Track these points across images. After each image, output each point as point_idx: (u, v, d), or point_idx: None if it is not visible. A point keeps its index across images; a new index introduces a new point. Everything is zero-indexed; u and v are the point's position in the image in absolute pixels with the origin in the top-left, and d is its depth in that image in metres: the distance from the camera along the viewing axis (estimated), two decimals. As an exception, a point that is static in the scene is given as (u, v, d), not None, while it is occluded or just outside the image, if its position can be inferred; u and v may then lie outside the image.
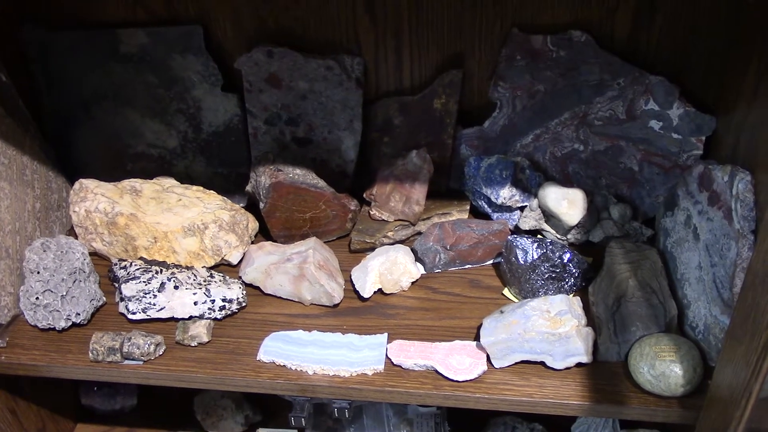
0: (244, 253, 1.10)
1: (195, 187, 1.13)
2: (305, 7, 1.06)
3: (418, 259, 1.07)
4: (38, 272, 0.99)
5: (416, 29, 1.06)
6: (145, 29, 1.10)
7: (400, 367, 0.92)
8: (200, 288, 1.00)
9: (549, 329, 0.88)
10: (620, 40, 1.03)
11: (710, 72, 1.02)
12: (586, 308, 0.96)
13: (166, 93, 1.15)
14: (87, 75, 1.14)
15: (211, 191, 1.13)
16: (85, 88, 1.16)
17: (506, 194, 1.08)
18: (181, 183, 1.15)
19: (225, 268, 1.11)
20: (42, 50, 1.13)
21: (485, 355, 0.91)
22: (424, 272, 1.08)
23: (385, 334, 0.96)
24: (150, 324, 1.00)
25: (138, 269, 1.02)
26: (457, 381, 0.89)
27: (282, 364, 0.93)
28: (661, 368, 0.84)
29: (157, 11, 1.10)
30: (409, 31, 1.07)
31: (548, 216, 1.09)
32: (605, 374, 0.89)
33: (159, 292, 0.99)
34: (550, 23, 1.03)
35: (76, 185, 1.09)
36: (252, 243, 1.13)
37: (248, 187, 1.12)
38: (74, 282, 1.00)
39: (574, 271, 1.00)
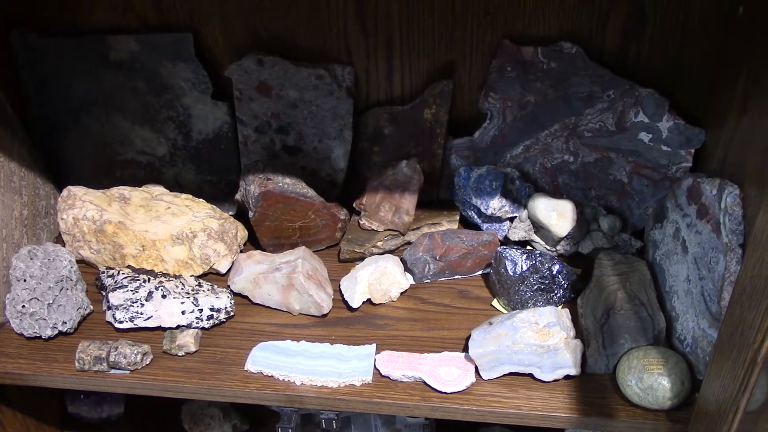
0: (233, 262, 1.10)
1: (184, 195, 1.13)
2: (296, 16, 1.06)
3: (407, 269, 1.07)
4: (25, 280, 0.98)
5: (407, 39, 1.06)
6: (135, 36, 1.09)
7: (389, 378, 0.92)
8: (188, 297, 0.99)
9: (537, 341, 0.88)
10: (610, 52, 1.03)
11: (700, 85, 1.03)
12: (575, 320, 0.96)
13: (156, 100, 1.14)
14: (76, 81, 1.14)
15: (200, 199, 1.13)
16: (75, 94, 1.15)
17: (496, 205, 1.08)
18: (170, 191, 1.14)
19: (213, 277, 1.11)
20: (31, 56, 1.12)
21: (474, 367, 0.91)
22: (414, 282, 1.07)
23: (374, 345, 0.96)
24: (137, 333, 1.00)
25: (126, 278, 1.01)
26: (445, 392, 0.89)
27: (270, 374, 0.92)
28: (649, 381, 0.84)
29: (148, 18, 1.09)
30: (400, 40, 1.07)
31: (538, 227, 1.09)
32: (593, 387, 0.89)
33: (146, 301, 0.98)
34: (541, 35, 1.03)
35: (64, 192, 1.09)
36: (241, 252, 1.13)
37: (237, 196, 1.11)
38: (61, 290, 0.99)
39: (563, 282, 1.00)
